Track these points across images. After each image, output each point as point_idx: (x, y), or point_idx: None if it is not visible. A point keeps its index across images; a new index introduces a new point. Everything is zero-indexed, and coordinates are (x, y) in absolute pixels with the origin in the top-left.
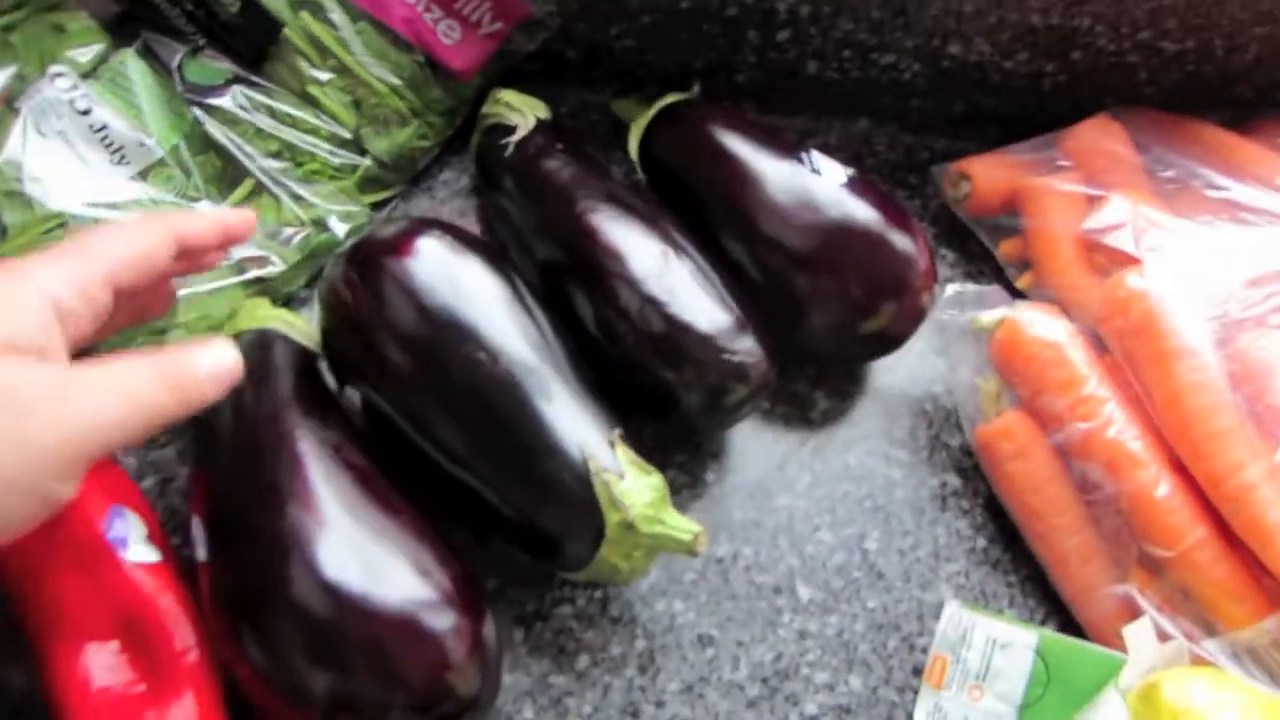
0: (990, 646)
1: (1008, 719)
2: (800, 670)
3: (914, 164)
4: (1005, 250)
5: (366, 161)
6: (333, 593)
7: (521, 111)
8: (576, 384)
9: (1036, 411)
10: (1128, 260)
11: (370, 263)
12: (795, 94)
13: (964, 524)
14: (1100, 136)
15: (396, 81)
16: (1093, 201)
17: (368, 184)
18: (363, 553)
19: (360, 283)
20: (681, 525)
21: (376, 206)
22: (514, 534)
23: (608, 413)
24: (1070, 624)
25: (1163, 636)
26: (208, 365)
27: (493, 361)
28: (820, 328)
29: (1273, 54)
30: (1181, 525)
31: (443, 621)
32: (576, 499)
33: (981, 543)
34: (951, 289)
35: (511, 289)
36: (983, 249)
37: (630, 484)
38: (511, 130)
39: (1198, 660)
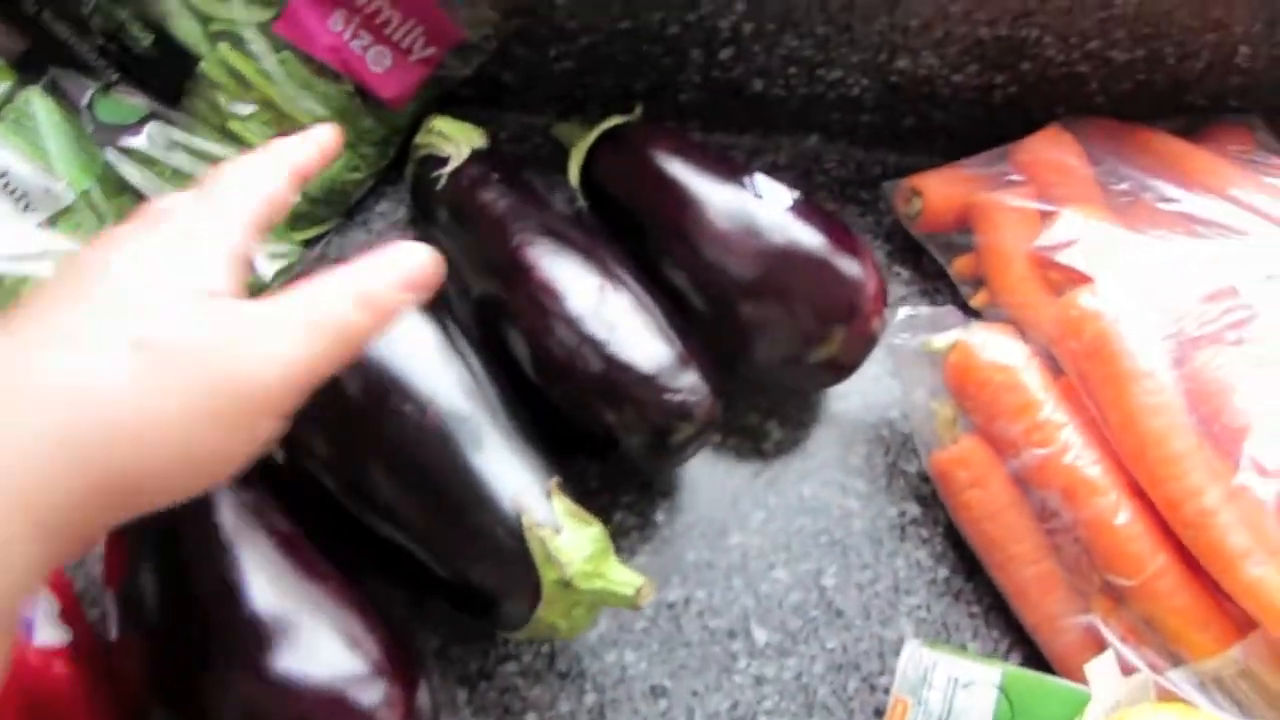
0: (952, 686)
1: None
2: (758, 718)
3: (866, 180)
4: (959, 268)
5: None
6: (256, 670)
7: (455, 140)
8: (512, 431)
9: (992, 437)
10: (1080, 278)
11: None
12: (741, 112)
13: (924, 554)
14: (1052, 149)
15: (324, 113)
16: (1045, 217)
17: (297, 220)
18: (287, 626)
19: None
20: (624, 579)
21: (309, 243)
22: (450, 593)
23: (546, 459)
24: (1035, 654)
25: (1128, 669)
26: (403, 276)
27: (420, 413)
28: (768, 358)
29: (1224, 61)
30: (1142, 553)
31: (373, 695)
32: (510, 556)
33: (943, 573)
34: (904, 312)
35: (442, 333)
36: (938, 266)
37: (567, 538)
38: (444, 161)
39: (1164, 693)
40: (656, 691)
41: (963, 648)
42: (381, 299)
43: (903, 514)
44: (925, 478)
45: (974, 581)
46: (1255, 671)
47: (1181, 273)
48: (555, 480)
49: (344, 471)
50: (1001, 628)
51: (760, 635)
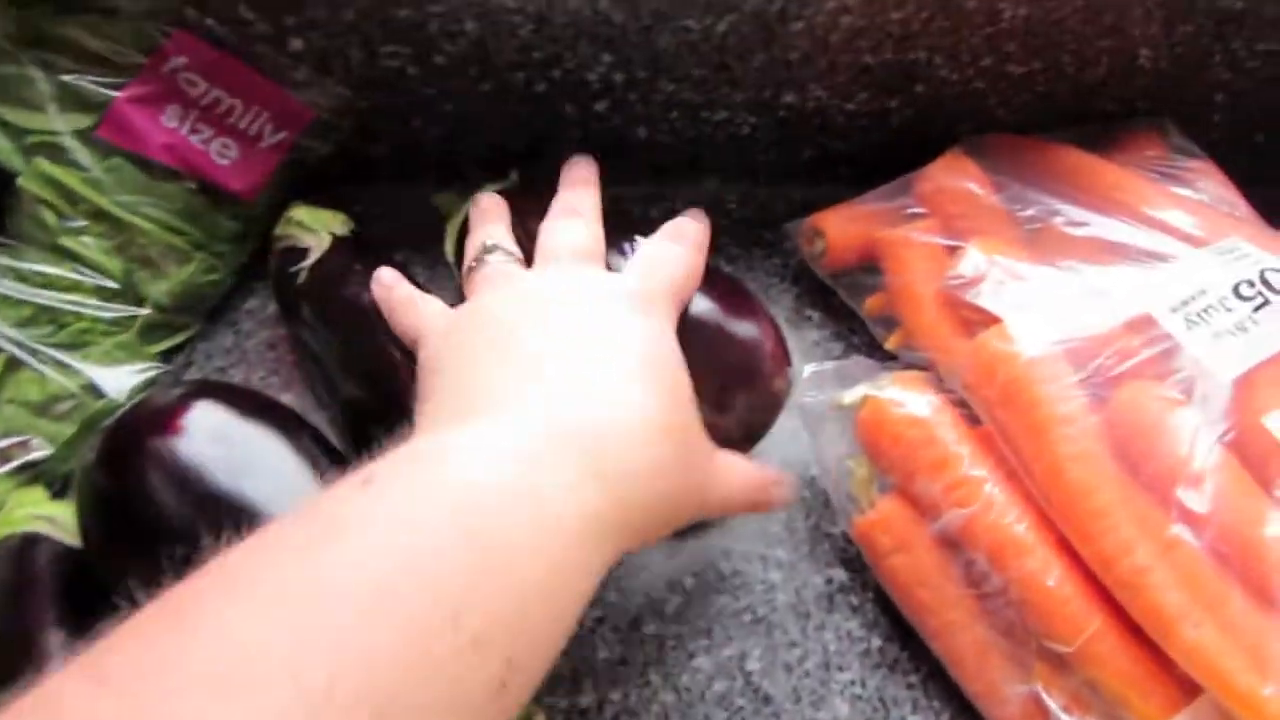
0: None
1: None
2: None
3: (770, 219)
4: (870, 307)
5: (145, 311)
6: None
7: (315, 230)
8: None
9: (913, 496)
10: (990, 319)
11: (129, 446)
12: (630, 161)
13: (855, 624)
14: (953, 177)
15: (165, 216)
16: (951, 252)
17: (152, 332)
18: None
19: (118, 471)
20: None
21: (170, 354)
22: None
23: None
24: None
25: None
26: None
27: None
28: None
29: (1125, 65)
30: (1077, 615)
31: None
32: None
33: (876, 642)
34: (809, 369)
35: (301, 457)
36: (849, 309)
37: None
38: (305, 253)
39: None
40: None
41: None
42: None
43: (829, 581)
44: (850, 539)
45: (910, 648)
46: None
47: (1096, 305)
48: None
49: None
50: (943, 698)
51: None
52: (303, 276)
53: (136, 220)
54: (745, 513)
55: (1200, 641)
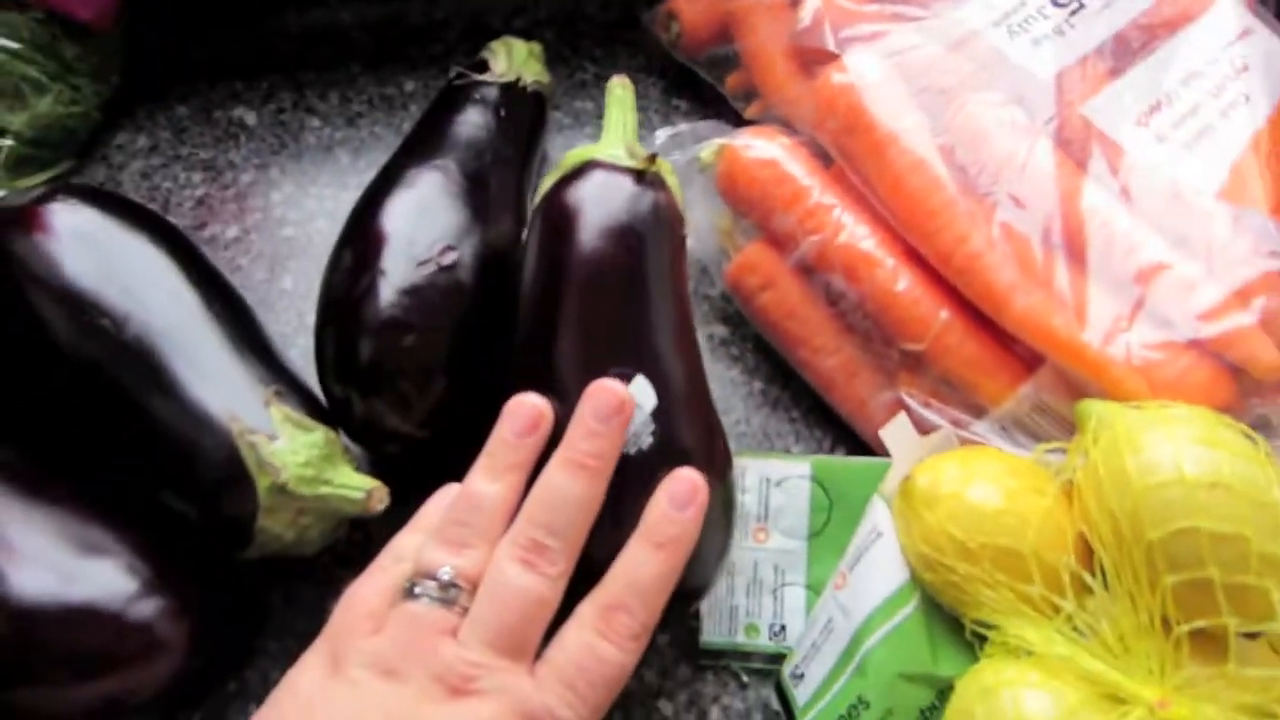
0: (765, 485)
1: (798, 553)
2: None
3: (631, 20)
4: (731, 84)
5: (7, 141)
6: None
7: None
8: (230, 343)
9: (774, 237)
10: (831, 58)
11: None
12: None
13: (736, 371)
14: None
15: (15, 45)
16: (795, 5)
17: (21, 166)
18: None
19: None
20: (351, 482)
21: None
22: (188, 528)
23: (269, 371)
24: (858, 444)
25: (930, 429)
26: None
27: (119, 329)
28: None
29: None
30: (926, 314)
31: (146, 608)
32: (221, 466)
33: (758, 385)
34: (662, 132)
35: (164, 252)
36: (715, 91)
37: (283, 444)
38: None
39: (968, 445)
40: None
41: (786, 452)
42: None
43: (711, 336)
44: (728, 298)
45: (790, 388)
46: (1048, 404)
47: (923, 29)
48: (274, 389)
49: (60, 405)
50: (823, 426)
51: None
52: None
53: None
54: None
55: (1030, 307)
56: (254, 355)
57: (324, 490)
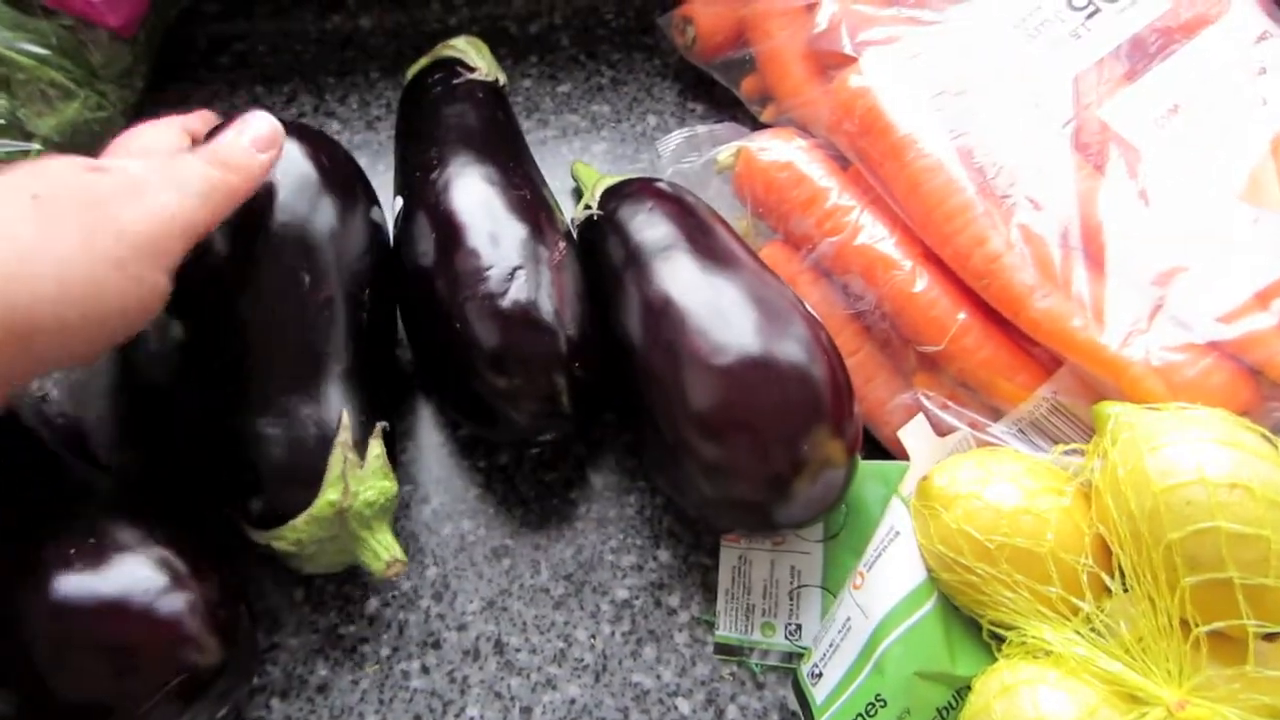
0: None
1: (815, 555)
2: (605, 558)
3: (648, 25)
4: (747, 88)
5: (35, 146)
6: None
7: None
8: (377, 359)
9: (791, 238)
10: (847, 61)
11: None
12: None
13: None
14: None
15: (44, 52)
16: (811, 10)
17: None
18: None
19: None
20: (386, 543)
21: None
22: (231, 462)
23: (387, 409)
24: (875, 447)
25: (947, 431)
26: (250, 136)
27: (311, 285)
28: None
29: None
30: (943, 315)
31: (172, 602)
32: (306, 452)
33: None
34: (677, 135)
35: (376, 245)
36: (731, 95)
37: (366, 474)
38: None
39: (984, 447)
40: (499, 553)
41: None
42: (236, 157)
43: None
44: None
45: None
46: (1066, 406)
47: (938, 34)
48: (384, 425)
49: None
50: None
51: (596, 480)
52: None
53: (14, 56)
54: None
55: (1049, 309)
56: (385, 378)
57: (364, 535)
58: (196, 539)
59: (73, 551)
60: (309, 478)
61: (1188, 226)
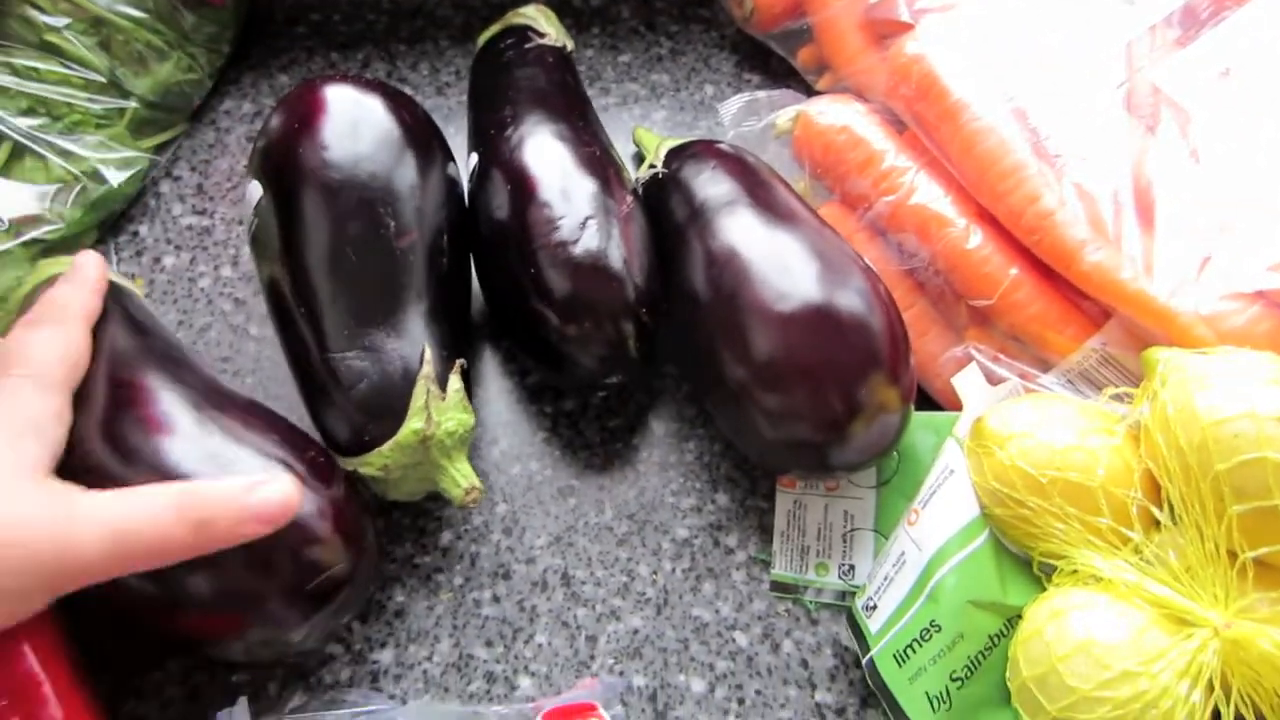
0: None
1: (868, 499)
2: (665, 500)
3: None
4: (803, 58)
5: (132, 104)
6: None
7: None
8: (457, 300)
9: (847, 198)
10: (904, 29)
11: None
12: None
13: None
14: None
15: (141, 15)
16: None
17: (142, 127)
18: (213, 453)
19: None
20: (465, 471)
21: (159, 149)
22: (317, 388)
23: (467, 346)
24: (927, 400)
25: (998, 381)
26: (255, 503)
27: (398, 231)
28: None
29: None
30: (995, 270)
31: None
32: (394, 387)
33: None
34: (737, 99)
35: (455, 196)
36: (788, 65)
37: (447, 406)
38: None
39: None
40: (565, 492)
41: None
42: (218, 524)
43: None
44: None
45: None
46: (1115, 357)
47: (996, 2)
48: (462, 362)
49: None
50: None
51: (658, 427)
52: None
53: (113, 18)
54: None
55: (1100, 262)
56: (461, 321)
57: (445, 463)
58: (311, 445)
59: None
60: (396, 408)
61: (1237, 185)
